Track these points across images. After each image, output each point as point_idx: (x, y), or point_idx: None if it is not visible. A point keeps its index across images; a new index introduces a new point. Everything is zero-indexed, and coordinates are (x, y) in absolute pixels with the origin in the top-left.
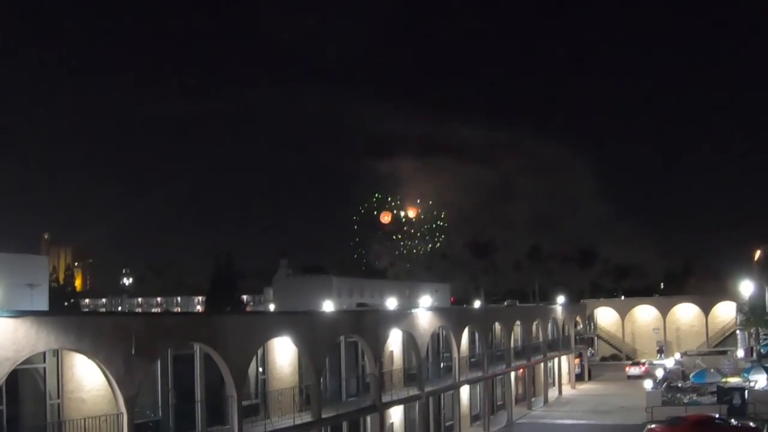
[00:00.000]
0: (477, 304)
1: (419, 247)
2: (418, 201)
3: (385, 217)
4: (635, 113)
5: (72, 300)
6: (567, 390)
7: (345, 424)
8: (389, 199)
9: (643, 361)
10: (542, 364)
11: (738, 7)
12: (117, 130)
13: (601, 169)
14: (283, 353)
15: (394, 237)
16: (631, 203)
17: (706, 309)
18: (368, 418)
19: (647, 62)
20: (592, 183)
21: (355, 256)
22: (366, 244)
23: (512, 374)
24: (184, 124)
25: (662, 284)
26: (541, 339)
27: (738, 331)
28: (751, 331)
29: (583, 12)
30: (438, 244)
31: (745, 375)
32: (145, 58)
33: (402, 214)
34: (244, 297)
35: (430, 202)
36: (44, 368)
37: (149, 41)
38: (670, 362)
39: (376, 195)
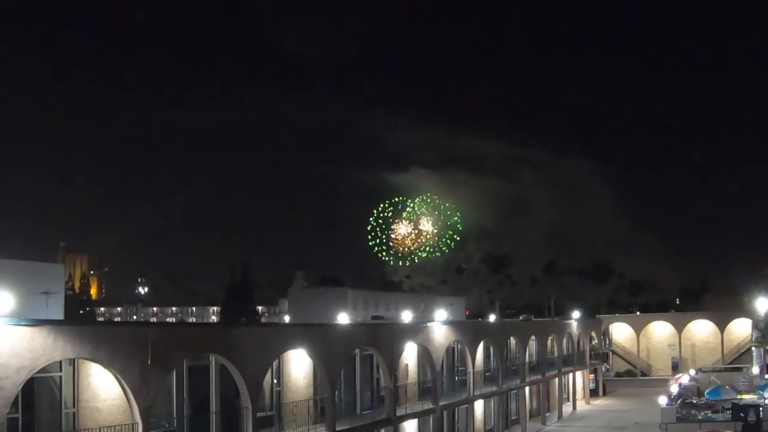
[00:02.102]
0: (492, 318)
1: (435, 260)
2: (435, 213)
3: (400, 228)
4: (653, 129)
5: (87, 308)
6: (581, 405)
7: None
8: (406, 205)
9: (678, 375)
10: (557, 379)
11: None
12: (133, 140)
13: (618, 184)
14: (298, 365)
15: (409, 249)
16: (648, 219)
17: (722, 325)
18: None
19: (666, 78)
20: (609, 198)
21: (370, 268)
22: (381, 256)
23: (527, 389)
24: (201, 134)
25: (678, 300)
26: (556, 354)
27: (753, 348)
28: (767, 347)
29: (604, 24)
30: (454, 257)
31: (760, 392)
32: (159, 68)
33: (418, 226)
34: (259, 308)
35: (446, 215)
36: (60, 377)
37: (164, 52)
38: (684, 378)
39: (389, 202)
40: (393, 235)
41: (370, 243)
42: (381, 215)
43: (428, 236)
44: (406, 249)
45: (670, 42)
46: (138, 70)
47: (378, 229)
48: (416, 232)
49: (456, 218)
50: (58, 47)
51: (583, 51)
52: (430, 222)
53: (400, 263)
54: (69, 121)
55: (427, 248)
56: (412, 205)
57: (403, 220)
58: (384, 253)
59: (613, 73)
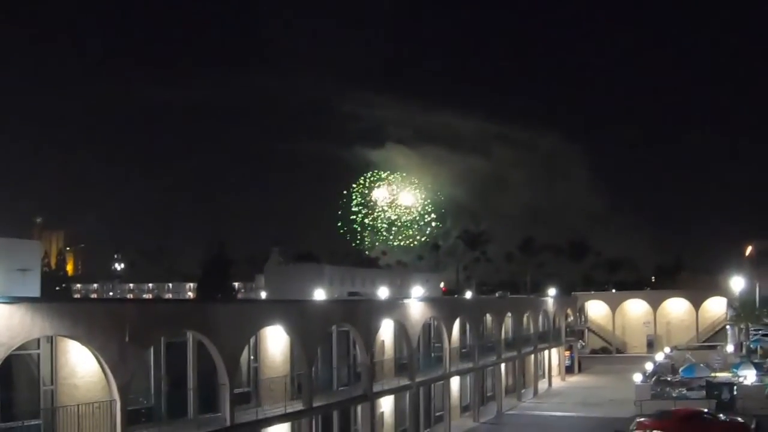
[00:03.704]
0: (468, 294)
1: (412, 236)
2: (412, 189)
3: (380, 193)
4: (631, 108)
5: (63, 285)
6: (557, 382)
7: (336, 413)
8: (383, 175)
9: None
10: (533, 355)
11: (741, 7)
12: (111, 115)
13: (595, 162)
14: (275, 342)
15: (385, 222)
16: (625, 197)
17: (697, 304)
18: (359, 408)
19: (644, 57)
20: (586, 176)
21: (349, 238)
22: (357, 231)
23: (502, 365)
24: (177, 110)
25: (653, 278)
26: (531, 331)
27: (728, 327)
28: (741, 326)
29: (582, 3)
30: (430, 233)
31: (734, 370)
32: (138, 43)
33: (394, 198)
34: (236, 284)
35: (422, 192)
36: (38, 354)
37: (143, 25)
38: (659, 356)
39: (364, 178)
40: (369, 202)
41: (342, 229)
42: (355, 194)
43: (407, 209)
44: (383, 220)
45: (647, 21)
46: (120, 46)
47: (354, 211)
48: (393, 198)
49: (434, 196)
50: (39, 18)
51: (561, 29)
52: (410, 194)
53: (377, 239)
54: (47, 96)
55: (407, 223)
56: (389, 177)
57: (380, 187)
58: (357, 236)
59: (592, 52)
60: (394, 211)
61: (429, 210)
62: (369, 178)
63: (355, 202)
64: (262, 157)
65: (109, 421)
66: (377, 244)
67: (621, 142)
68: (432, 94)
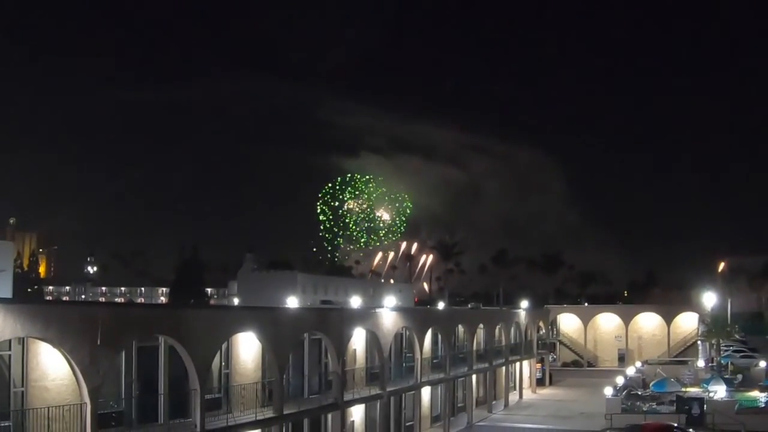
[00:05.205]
0: (441, 305)
1: (384, 241)
2: (386, 199)
3: (351, 205)
4: (607, 123)
5: (36, 286)
6: (528, 394)
7: (306, 421)
8: (354, 181)
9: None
10: (504, 367)
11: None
12: (87, 117)
13: (570, 176)
14: (247, 348)
15: (357, 232)
16: (599, 212)
17: (669, 319)
18: (329, 416)
19: (619, 72)
20: (561, 189)
21: (321, 257)
22: (332, 240)
23: (474, 377)
24: (153, 114)
25: (626, 292)
26: (503, 343)
27: (699, 342)
28: (712, 342)
29: (561, 17)
30: (404, 244)
31: (705, 385)
32: (116, 43)
33: (371, 206)
34: (208, 290)
35: (398, 202)
36: (9, 356)
37: (120, 23)
38: (630, 370)
39: (336, 181)
40: (345, 207)
41: (313, 248)
42: (328, 194)
43: (380, 221)
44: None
45: (626, 35)
46: (95, 47)
47: (324, 228)
48: (367, 209)
49: (407, 205)
50: (9, 18)
51: (540, 42)
52: (384, 209)
53: (350, 245)
54: (21, 97)
55: (380, 233)
56: (361, 183)
57: (353, 197)
58: (327, 254)
59: (569, 65)
60: (364, 232)
61: (402, 221)
62: (337, 187)
63: (323, 218)
64: (237, 163)
65: (79, 424)
66: (350, 250)
67: (596, 157)
68: (408, 104)
